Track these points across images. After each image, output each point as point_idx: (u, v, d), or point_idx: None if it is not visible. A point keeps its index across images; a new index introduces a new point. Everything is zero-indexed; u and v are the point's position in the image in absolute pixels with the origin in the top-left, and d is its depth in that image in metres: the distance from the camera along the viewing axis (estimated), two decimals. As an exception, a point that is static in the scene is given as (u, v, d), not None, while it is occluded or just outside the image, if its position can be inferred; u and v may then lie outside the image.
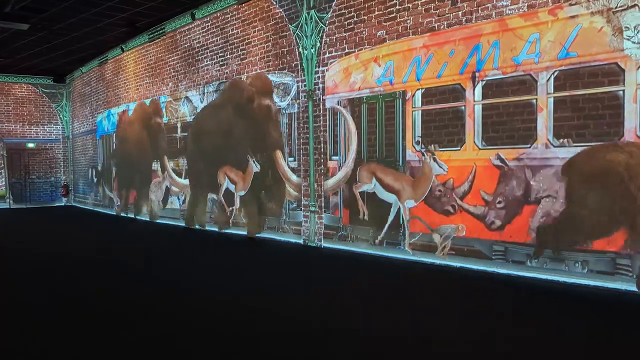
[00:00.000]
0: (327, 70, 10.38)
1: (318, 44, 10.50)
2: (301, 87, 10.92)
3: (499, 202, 7.86)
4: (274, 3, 11.43)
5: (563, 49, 7.09)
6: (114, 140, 19.06)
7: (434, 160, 8.55)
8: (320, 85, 10.51)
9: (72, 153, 23.74)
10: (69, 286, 7.94)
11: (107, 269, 9.14)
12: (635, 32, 6.48)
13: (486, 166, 8.01)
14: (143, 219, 17.11)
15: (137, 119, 17.14)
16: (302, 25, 10.78)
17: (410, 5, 8.85)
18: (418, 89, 8.83)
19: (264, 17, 11.84)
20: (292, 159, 11.37)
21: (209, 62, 13.72)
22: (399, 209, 9.19)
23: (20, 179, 22.88)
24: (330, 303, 6.65)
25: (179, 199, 15.25)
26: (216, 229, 13.58)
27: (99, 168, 20.44)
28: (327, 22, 10.26)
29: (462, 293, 7.05)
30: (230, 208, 13.03)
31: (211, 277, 8.39)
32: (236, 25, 12.68)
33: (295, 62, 11.08)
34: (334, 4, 10.10)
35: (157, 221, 16.22)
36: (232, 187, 12.96)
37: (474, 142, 8.12)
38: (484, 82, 7.97)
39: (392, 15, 9.15)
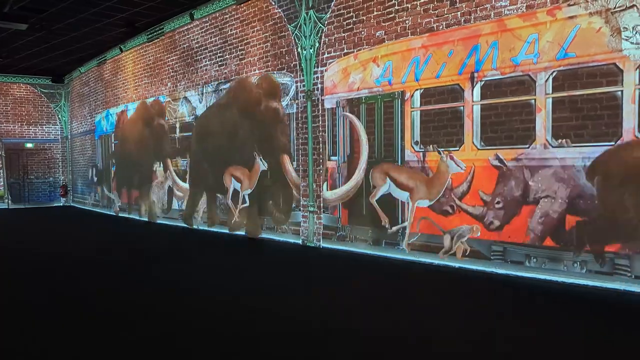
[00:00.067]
0: (326, 71, 10.39)
1: (317, 44, 10.51)
2: (300, 88, 10.93)
3: (498, 203, 7.87)
4: (273, 3, 11.44)
5: (561, 49, 7.11)
6: (113, 140, 19.04)
7: (451, 158, 8.40)
8: (319, 86, 10.52)
9: (70, 153, 23.72)
10: (69, 286, 7.95)
11: (107, 269, 9.14)
12: (634, 32, 6.50)
13: (485, 166, 8.02)
14: (142, 219, 17.09)
15: (139, 118, 17.04)
16: (301, 26, 10.80)
17: (409, 6, 8.87)
18: (417, 89, 8.84)
19: (263, 17, 11.85)
20: (264, 163, 11.52)
21: (207, 63, 13.72)
22: (415, 207, 9.06)
23: (19, 179, 22.86)
24: (330, 303, 6.67)
25: (178, 202, 15.25)
26: (214, 229, 13.59)
27: (100, 166, 20.37)
28: (326, 22, 10.28)
29: (462, 293, 7.07)
30: (239, 208, 12.87)
31: (211, 277, 8.40)
32: (235, 26, 12.68)
33: (294, 63, 11.09)
34: (332, 4, 10.11)
35: (157, 222, 16.21)
36: (238, 186, 12.82)
37: (473, 142, 8.14)
38: (483, 82, 7.99)
39: (390, 16, 9.17)
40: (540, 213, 7.41)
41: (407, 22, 8.93)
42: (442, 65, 8.47)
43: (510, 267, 7.74)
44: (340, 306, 6.49)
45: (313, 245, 10.75)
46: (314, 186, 10.72)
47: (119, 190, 18.72)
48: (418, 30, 8.78)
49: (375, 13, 9.41)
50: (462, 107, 8.27)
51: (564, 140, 7.14)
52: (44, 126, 23.48)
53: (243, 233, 12.68)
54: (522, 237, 7.61)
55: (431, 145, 8.69)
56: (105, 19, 14.58)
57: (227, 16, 12.89)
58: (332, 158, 10.38)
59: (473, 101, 8.11)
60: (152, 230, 14.92)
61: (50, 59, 19.60)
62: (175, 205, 15.37)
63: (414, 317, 6.00)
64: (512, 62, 7.63)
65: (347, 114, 10.00)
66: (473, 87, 8.10)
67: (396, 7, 9.07)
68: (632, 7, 6.51)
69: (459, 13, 8.23)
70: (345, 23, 9.94)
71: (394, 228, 9.30)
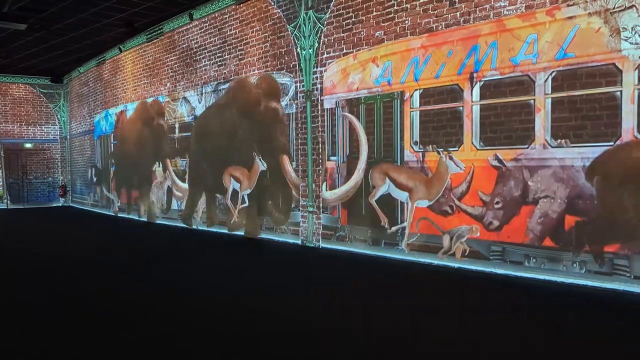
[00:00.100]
0: (325, 71, 10.40)
1: (316, 45, 10.52)
2: (299, 88, 10.94)
3: (497, 203, 7.88)
4: (272, 3, 11.45)
5: (561, 49, 7.12)
6: (112, 140, 19.04)
7: (450, 158, 8.39)
8: (319, 86, 10.53)
9: (69, 153, 23.72)
10: (69, 286, 7.95)
11: (107, 269, 9.15)
12: (633, 32, 6.51)
13: (484, 167, 8.03)
14: (142, 219, 17.09)
15: (138, 118, 17.00)
16: (300, 26, 10.80)
17: (409, 6, 8.88)
18: (416, 90, 8.85)
19: (262, 17, 11.85)
20: (263, 163, 11.51)
21: (207, 63, 13.73)
22: (414, 208, 9.04)
23: (18, 180, 22.84)
24: (330, 303, 6.68)
25: (177, 202, 15.24)
26: (213, 229, 13.60)
27: (99, 166, 20.34)
28: (325, 22, 10.28)
29: (461, 293, 7.08)
30: (238, 207, 12.82)
31: (211, 277, 8.41)
32: (234, 26, 12.69)
33: (293, 63, 11.10)
34: (332, 4, 10.12)
35: (157, 222, 16.21)
36: (237, 187, 12.77)
37: (472, 142, 8.15)
38: (482, 82, 8.00)
39: (390, 16, 9.17)
40: (540, 213, 7.42)
41: (406, 22, 8.94)
42: (441, 66, 8.48)
43: (509, 267, 7.75)
44: (340, 306, 6.50)
45: (312, 245, 10.76)
46: (313, 186, 10.72)
47: (118, 191, 18.71)
48: (417, 30, 8.79)
49: (374, 13, 9.42)
50: (461, 108, 8.28)
51: (563, 140, 7.15)
52: (43, 126, 23.47)
53: (242, 233, 12.69)
54: (522, 237, 7.62)
55: (430, 146, 8.69)
56: (105, 19, 14.58)
57: (227, 16, 12.89)
58: (332, 158, 10.38)
59: (472, 101, 8.12)
60: (151, 231, 14.92)
61: (49, 59, 19.60)
62: (174, 205, 15.36)
63: (414, 317, 6.01)
64: (511, 63, 7.64)
65: (347, 114, 9.99)
66: (472, 87, 8.11)
67: (395, 8, 9.08)
68: (631, 7, 6.52)
69: (458, 13, 8.25)
70: (344, 23, 9.95)
71: (394, 228, 9.29)
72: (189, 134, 14.50)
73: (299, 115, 10.99)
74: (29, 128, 23.09)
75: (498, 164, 7.84)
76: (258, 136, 12.05)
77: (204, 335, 5.38)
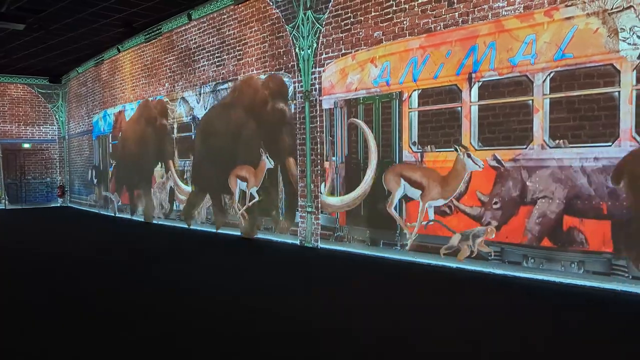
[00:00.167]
0: (323, 71, 10.41)
1: (315, 45, 10.53)
2: (298, 88, 10.95)
3: (495, 203, 7.90)
4: (271, 4, 11.46)
5: (559, 50, 7.14)
6: (110, 140, 19.01)
7: (468, 156, 8.19)
8: (317, 86, 10.54)
9: (68, 154, 23.71)
10: (69, 286, 7.97)
11: (107, 269, 9.17)
12: (631, 33, 6.53)
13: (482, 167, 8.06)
14: (140, 219, 17.10)
15: (140, 117, 16.92)
16: (298, 26, 10.82)
17: (407, 6, 8.90)
18: (415, 90, 8.87)
19: (261, 17, 11.86)
20: (270, 161, 11.48)
21: (205, 63, 13.73)
22: (425, 207, 8.87)
23: (16, 180, 22.82)
24: (329, 303, 6.70)
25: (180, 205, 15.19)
26: (212, 230, 13.61)
27: (100, 167, 20.28)
28: (324, 22, 10.30)
29: (461, 293, 7.10)
30: (245, 207, 12.62)
31: (211, 277, 8.42)
32: (233, 26, 12.70)
33: (291, 63, 11.11)
34: (330, 4, 10.13)
35: (158, 222, 16.21)
36: (243, 186, 12.60)
37: (470, 143, 8.16)
38: (480, 83, 8.02)
39: (388, 16, 9.19)
40: (538, 213, 7.44)
41: (405, 22, 8.95)
42: (439, 66, 8.49)
43: (507, 267, 7.77)
44: (340, 306, 6.51)
45: (311, 245, 10.77)
46: (312, 187, 10.73)
47: (118, 191, 18.64)
48: (416, 30, 8.80)
49: (373, 14, 9.43)
50: (459, 108, 8.30)
51: (562, 140, 7.17)
52: (41, 126, 23.46)
53: (238, 233, 12.71)
54: (520, 237, 7.64)
55: (452, 142, 8.42)
56: (103, 19, 14.58)
57: (225, 16, 12.90)
58: (331, 159, 10.39)
59: (471, 102, 8.14)
60: (151, 231, 14.91)
61: (47, 59, 19.60)
62: (176, 207, 15.27)
63: (414, 317, 6.03)
64: (509, 63, 7.66)
65: (356, 120, 9.86)
66: (471, 87, 8.13)
67: (394, 8, 9.09)
68: (629, 8, 6.54)
69: (456, 14, 8.26)
70: (343, 24, 9.96)
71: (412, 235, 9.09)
72: (188, 134, 14.49)
73: (297, 115, 11.00)
74: (27, 128, 23.07)
75: (496, 165, 7.86)
76: (264, 137, 11.94)
77: (204, 335, 5.39)
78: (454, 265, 8.37)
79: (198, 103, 14.01)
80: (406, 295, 7.07)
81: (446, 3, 8.38)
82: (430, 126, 8.71)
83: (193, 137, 14.36)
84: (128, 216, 17.86)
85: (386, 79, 9.27)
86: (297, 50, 10.90)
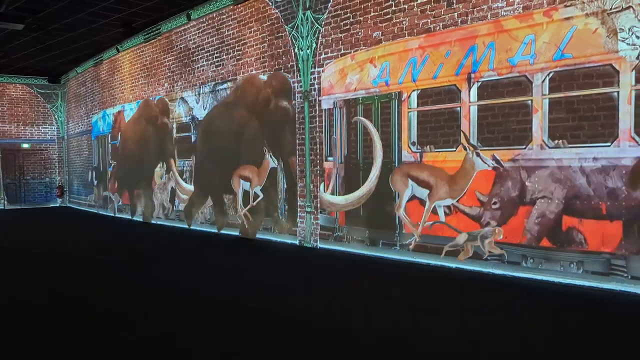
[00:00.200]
0: (323, 71, 10.42)
1: (314, 45, 10.54)
2: (297, 88, 10.96)
3: (494, 203, 7.91)
4: (270, 4, 11.46)
5: (558, 50, 7.16)
6: (109, 141, 19.00)
7: (477, 155, 8.09)
8: (316, 86, 10.55)
9: (67, 154, 23.70)
10: (69, 286, 7.97)
11: (107, 269, 9.18)
12: (630, 33, 6.55)
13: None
14: (139, 219, 17.10)
15: (141, 116, 16.85)
16: (298, 26, 10.83)
17: (406, 7, 8.90)
18: (414, 90, 8.88)
19: (260, 17, 11.87)
20: (275, 160, 11.43)
21: (204, 63, 13.74)
22: (432, 207, 8.75)
23: (15, 180, 22.81)
24: (329, 303, 6.71)
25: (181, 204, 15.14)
26: (210, 230, 13.62)
27: (100, 168, 20.23)
28: (323, 23, 10.31)
29: (460, 293, 7.11)
30: (249, 206, 12.49)
31: (211, 277, 8.43)
32: (232, 26, 12.70)
33: (291, 63, 11.12)
34: (329, 4, 10.14)
35: (159, 222, 16.20)
36: (247, 186, 12.49)
37: (470, 143, 8.17)
38: (480, 83, 8.03)
39: (387, 17, 9.20)
40: (537, 214, 7.45)
41: (404, 22, 8.96)
42: (439, 66, 8.50)
43: (506, 267, 7.78)
44: (340, 306, 6.52)
45: (310, 245, 10.78)
46: (311, 187, 10.74)
47: (119, 190, 18.58)
48: (415, 31, 8.81)
49: (372, 14, 9.44)
50: (459, 108, 8.31)
51: (561, 141, 7.19)
52: (40, 126, 23.44)
53: (237, 233, 12.72)
54: (519, 237, 7.65)
55: (462, 139, 8.29)
56: (102, 19, 14.57)
57: (224, 17, 12.91)
58: (329, 159, 10.40)
59: (470, 102, 8.15)
60: (151, 231, 14.91)
61: (46, 59, 19.59)
62: (175, 206, 15.24)
63: (414, 317, 6.04)
64: (508, 63, 7.67)
65: (361, 118, 9.76)
66: (470, 87, 8.14)
67: (393, 8, 9.10)
68: (628, 8, 6.55)
69: (455, 14, 8.27)
70: (342, 24, 9.97)
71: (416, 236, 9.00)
72: (188, 134, 14.49)
73: (296, 115, 11.00)
74: (26, 128, 23.05)
75: (495, 165, 7.87)
76: (267, 136, 11.86)
77: (204, 335, 5.40)
78: (453, 265, 8.38)
79: (197, 103, 14.01)
80: (406, 295, 7.07)
81: (445, 3, 8.39)
82: (430, 126, 8.71)
83: (193, 138, 14.34)
84: (128, 216, 17.84)
85: (385, 79, 9.28)
86: (296, 50, 10.90)
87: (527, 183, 7.55)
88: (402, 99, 9.04)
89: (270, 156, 11.75)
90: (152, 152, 16.23)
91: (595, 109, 6.87)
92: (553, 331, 5.42)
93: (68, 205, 23.80)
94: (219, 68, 13.20)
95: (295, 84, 10.98)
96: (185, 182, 14.71)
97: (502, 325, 5.65)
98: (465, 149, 8.26)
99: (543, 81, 7.33)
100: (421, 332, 5.49)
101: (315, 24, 10.44)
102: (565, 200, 7.16)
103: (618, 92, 6.66)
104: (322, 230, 10.60)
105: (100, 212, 20.03)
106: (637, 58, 6.49)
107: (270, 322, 5.90)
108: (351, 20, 9.80)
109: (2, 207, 22.36)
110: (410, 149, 8.98)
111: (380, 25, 9.31)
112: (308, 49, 10.63)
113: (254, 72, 12.10)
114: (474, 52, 8.07)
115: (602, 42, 6.76)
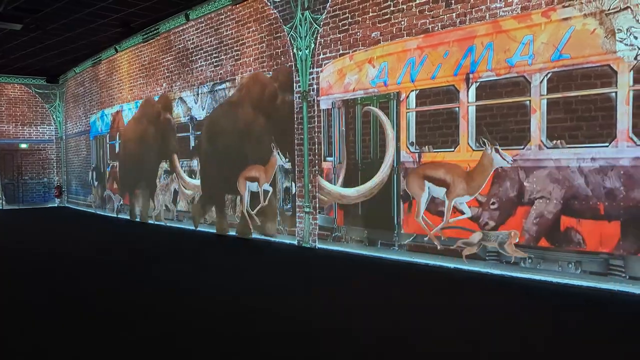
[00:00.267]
0: (321, 71, 10.43)
1: (312, 45, 10.55)
2: (295, 88, 10.96)
3: (493, 203, 7.93)
4: (269, 4, 11.47)
5: (556, 50, 7.18)
6: (109, 140, 19.00)
7: (497, 151, 7.88)
8: (315, 86, 10.56)
9: (65, 154, 23.69)
10: (69, 286, 7.98)
11: (107, 269, 9.19)
12: (628, 34, 6.57)
13: (480, 167, 8.09)
14: (139, 219, 17.11)
15: (142, 115, 16.77)
16: (296, 26, 10.84)
17: (405, 7, 8.92)
18: (412, 90, 8.89)
19: (258, 18, 11.88)
20: (286, 159, 11.37)
21: (203, 63, 13.74)
22: (452, 206, 8.56)
23: (13, 180, 22.80)
24: (329, 303, 6.72)
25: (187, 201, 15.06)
26: (209, 230, 13.63)
27: (99, 168, 20.17)
28: (322, 23, 10.32)
29: (460, 293, 7.13)
30: (259, 206, 12.28)
31: (211, 277, 8.45)
32: (230, 26, 12.71)
33: (289, 63, 11.12)
34: (328, 5, 10.16)
35: (155, 222, 16.21)
36: (253, 187, 12.35)
37: (468, 143, 8.19)
38: (478, 83, 8.05)
39: (386, 17, 9.22)
40: (535, 214, 7.47)
41: (402, 23, 8.98)
42: (437, 67, 8.52)
43: (505, 267, 7.80)
44: (340, 306, 6.54)
45: (309, 246, 10.79)
46: (310, 187, 10.75)
47: (121, 190, 18.56)
48: (413, 31, 8.83)
49: (370, 14, 9.46)
50: (457, 108, 8.33)
51: (559, 141, 7.21)
52: (38, 127, 23.42)
53: (234, 233, 12.74)
54: (517, 237, 7.67)
55: (482, 137, 8.09)
56: (100, 19, 14.58)
57: (223, 17, 12.91)
58: (328, 159, 10.41)
59: (468, 102, 8.17)
60: (150, 231, 14.91)
61: (44, 59, 19.58)
62: (180, 207, 15.17)
63: (414, 317, 6.05)
64: (507, 64, 7.69)
65: (372, 108, 9.60)
66: (468, 88, 8.15)
67: (392, 8, 9.12)
68: (626, 9, 6.58)
69: (454, 14, 8.29)
70: (340, 24, 9.99)
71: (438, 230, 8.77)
72: (187, 134, 14.47)
73: (295, 115, 11.00)
74: (25, 128, 23.04)
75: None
76: (274, 132, 11.71)
77: (204, 335, 5.41)
78: (451, 265, 8.40)
79: (196, 103, 14.01)
80: (406, 295, 7.09)
81: (444, 4, 8.41)
82: (428, 126, 8.73)
83: (191, 138, 14.32)
84: (128, 217, 17.82)
85: (384, 80, 9.30)
86: (294, 50, 10.91)
87: (525, 183, 7.57)
88: (401, 99, 9.06)
89: (278, 153, 11.59)
90: (154, 151, 16.10)
91: (594, 109, 6.89)
92: (553, 331, 5.44)
93: (66, 205, 23.78)
94: (217, 68, 13.20)
95: (294, 84, 10.98)
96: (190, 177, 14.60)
97: (502, 325, 5.67)
98: (484, 144, 8.05)
99: (541, 81, 7.35)
100: (421, 332, 5.51)
101: (314, 24, 10.45)
102: (564, 200, 7.19)
103: (616, 92, 6.68)
104: (320, 231, 10.61)
105: (99, 212, 20.02)
106: (635, 58, 6.51)
107: (270, 322, 5.92)
108: (350, 20, 9.82)
109: (1, 208, 22.35)
110: (408, 149, 9.00)
111: (379, 25, 9.33)
112: (306, 49, 10.65)
113: (253, 72, 12.10)
114: (472, 52, 8.09)
115: (600, 42, 6.79)
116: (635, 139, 6.54)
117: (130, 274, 8.74)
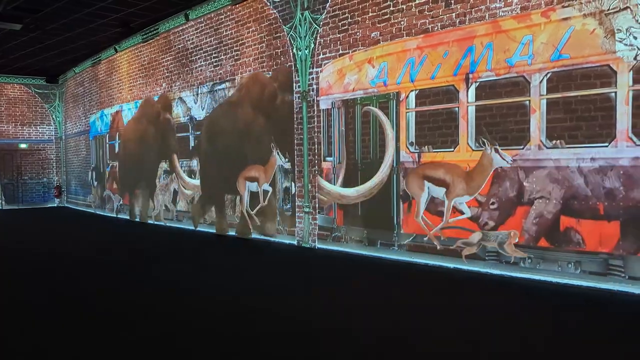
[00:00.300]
0: (321, 72, 10.43)
1: (312, 45, 10.55)
2: (295, 89, 10.96)
3: (492, 203, 7.93)
4: (268, 4, 11.47)
5: (556, 50, 7.18)
6: (108, 140, 18.99)
7: (496, 151, 7.87)
8: (315, 86, 10.56)
9: (64, 154, 23.68)
10: (69, 286, 7.98)
11: (107, 269, 9.19)
12: (627, 34, 6.57)
13: (480, 167, 8.10)
14: (139, 219, 17.11)
15: (142, 115, 16.74)
16: (296, 26, 10.84)
17: (404, 7, 8.92)
18: (412, 90, 8.90)
19: (258, 18, 11.88)
20: (286, 159, 11.37)
21: (202, 63, 13.75)
22: (451, 206, 8.54)
23: (13, 180, 22.79)
24: (329, 303, 6.72)
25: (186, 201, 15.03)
26: (207, 230, 13.63)
27: (99, 168, 20.17)
28: (321, 23, 10.32)
29: (459, 293, 7.13)
30: (259, 206, 12.25)
31: (211, 277, 8.45)
32: (230, 26, 12.71)
33: (289, 63, 11.12)
34: (328, 5, 10.16)
35: (160, 223, 16.21)
36: (253, 187, 12.34)
37: (468, 143, 8.20)
38: (478, 83, 8.05)
39: (386, 17, 9.22)
40: (535, 214, 7.48)
41: (402, 23, 8.98)
42: (437, 67, 8.53)
43: (505, 267, 7.80)
44: (340, 306, 6.54)
45: (308, 246, 10.79)
46: (309, 187, 10.75)
47: (120, 190, 18.57)
48: (413, 31, 8.83)
49: (370, 14, 9.46)
50: (457, 108, 8.33)
51: (558, 141, 7.21)
52: (38, 127, 23.41)
53: (234, 233, 12.74)
54: (517, 237, 7.67)
55: (481, 137, 8.09)
56: (100, 20, 14.58)
57: (222, 17, 12.92)
58: (327, 159, 10.41)
59: (468, 102, 8.17)
60: (150, 231, 14.91)
61: (44, 59, 19.57)
62: (179, 207, 15.17)
63: (414, 317, 6.06)
64: (506, 64, 7.69)
65: (372, 108, 9.61)
66: (468, 88, 8.16)
67: (391, 9, 9.12)
68: (625, 9, 6.58)
69: (453, 14, 8.30)
70: (340, 24, 9.99)
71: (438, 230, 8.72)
72: (186, 134, 14.47)
73: (295, 115, 11.01)
74: (24, 128, 23.03)
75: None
76: (274, 132, 11.70)
77: (204, 335, 5.41)
78: (451, 265, 8.40)
79: (195, 103, 14.01)
80: (405, 295, 7.09)
81: (443, 4, 8.41)
82: (428, 127, 8.74)
83: (191, 138, 14.32)
84: (127, 217, 17.82)
85: (383, 80, 9.30)
86: (294, 50, 10.92)
87: (525, 183, 7.57)
88: (400, 99, 9.06)
89: (278, 153, 11.58)
90: (154, 151, 16.08)
91: (593, 109, 6.89)
92: (553, 331, 5.45)
93: (66, 205, 23.78)
94: (217, 68, 13.21)
95: (294, 84, 10.98)
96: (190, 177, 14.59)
97: (502, 325, 5.67)
98: (483, 144, 8.04)
99: (541, 81, 7.35)
100: (421, 332, 5.51)
101: (314, 24, 10.45)
102: (563, 200, 7.19)
103: (616, 92, 6.69)
104: (320, 231, 10.61)
105: (98, 212, 20.02)
106: (635, 59, 6.52)
107: (270, 322, 5.92)
108: (349, 20, 9.82)
109: (0, 208, 22.34)
110: (408, 149, 9.00)
111: (379, 25, 9.33)
112: (306, 49, 10.65)
113: (252, 72, 12.10)
114: (472, 52, 8.09)
115: (600, 42, 6.79)
116: (634, 138, 6.55)
117: (130, 274, 8.74)
